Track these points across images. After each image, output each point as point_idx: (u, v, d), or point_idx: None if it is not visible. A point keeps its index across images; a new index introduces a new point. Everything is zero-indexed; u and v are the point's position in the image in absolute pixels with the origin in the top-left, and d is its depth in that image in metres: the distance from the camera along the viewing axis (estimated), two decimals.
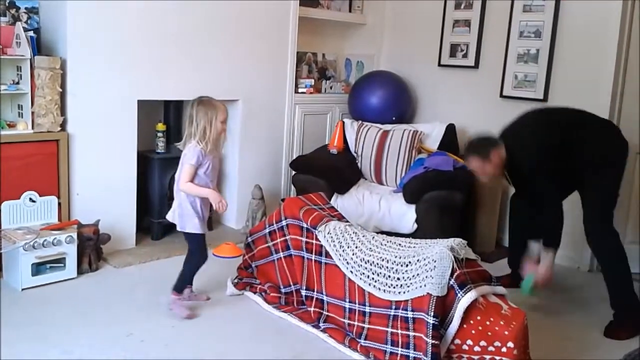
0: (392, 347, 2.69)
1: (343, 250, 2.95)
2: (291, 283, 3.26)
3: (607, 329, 3.22)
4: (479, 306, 2.57)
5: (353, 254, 2.90)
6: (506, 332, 2.49)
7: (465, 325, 2.55)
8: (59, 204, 3.56)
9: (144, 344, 2.77)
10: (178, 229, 3.13)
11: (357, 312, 2.86)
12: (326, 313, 3.03)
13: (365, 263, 2.84)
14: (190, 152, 2.96)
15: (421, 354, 2.54)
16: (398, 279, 2.71)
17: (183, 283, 3.12)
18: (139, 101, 3.90)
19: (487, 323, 2.53)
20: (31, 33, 3.58)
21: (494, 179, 3.43)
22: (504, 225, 4.55)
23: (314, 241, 3.09)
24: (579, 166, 3.31)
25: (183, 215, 3.06)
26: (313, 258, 3.09)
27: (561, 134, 3.28)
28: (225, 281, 3.43)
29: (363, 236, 3.00)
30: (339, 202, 4.23)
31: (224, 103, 3.06)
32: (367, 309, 2.81)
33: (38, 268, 3.34)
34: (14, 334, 2.76)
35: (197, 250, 3.10)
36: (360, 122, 4.80)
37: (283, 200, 3.72)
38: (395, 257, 2.78)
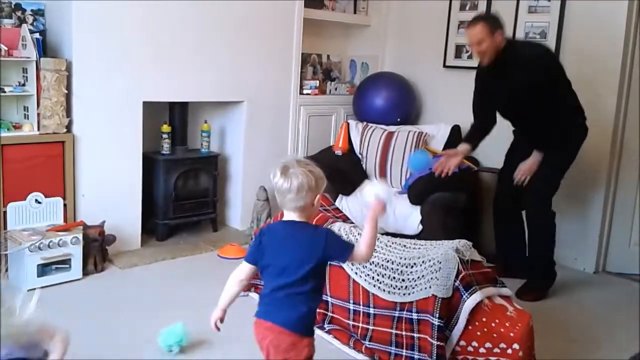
0: (396, 348, 2.69)
1: None
2: None
3: (519, 290, 3.53)
4: (485, 308, 2.56)
5: None
6: (512, 334, 2.48)
7: (470, 327, 2.54)
8: (65, 205, 3.58)
9: (148, 345, 2.77)
10: None
11: (361, 313, 2.85)
12: (331, 314, 3.02)
13: (370, 264, 2.83)
14: None
15: (426, 355, 2.54)
16: (403, 280, 2.71)
17: None
18: (144, 103, 3.91)
19: (493, 325, 2.52)
20: (37, 35, 3.60)
21: (483, 57, 3.44)
22: None
23: None
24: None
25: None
26: None
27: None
28: None
29: None
30: (343, 203, 4.23)
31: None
32: (372, 311, 2.81)
33: (43, 269, 3.35)
34: None
35: None
36: (365, 123, 4.79)
37: None
38: (400, 258, 2.78)
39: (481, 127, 3.71)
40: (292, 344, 1.97)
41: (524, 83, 3.34)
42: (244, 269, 2.08)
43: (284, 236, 1.99)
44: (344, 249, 1.96)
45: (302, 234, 1.98)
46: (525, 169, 3.56)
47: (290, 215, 2.01)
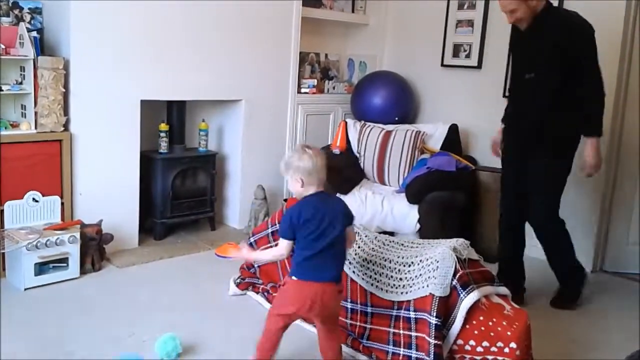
0: (394, 347, 2.69)
1: None
2: None
3: (555, 300, 3.50)
4: (482, 307, 2.56)
5: (355, 254, 2.90)
6: (509, 333, 2.48)
7: (467, 326, 2.54)
8: (62, 204, 3.57)
9: (146, 344, 2.77)
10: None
11: (359, 312, 2.85)
12: None
13: (368, 263, 2.84)
14: None
15: (423, 354, 2.54)
16: (400, 279, 2.71)
17: None
18: (142, 101, 3.91)
19: (490, 324, 2.52)
20: (34, 33, 3.59)
21: (520, 23, 3.25)
22: None
23: None
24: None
25: None
26: None
27: None
28: (227, 281, 3.43)
29: (365, 236, 2.99)
30: None
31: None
32: (369, 310, 2.81)
33: (41, 268, 3.34)
34: (16, 333, 2.77)
35: None
36: (362, 122, 4.80)
37: (285, 200, 3.72)
38: (398, 257, 2.78)
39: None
40: (339, 293, 2.46)
41: (557, 42, 3.15)
42: (286, 246, 2.37)
43: (319, 205, 2.35)
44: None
45: (333, 200, 2.46)
46: (593, 161, 3.25)
47: (312, 189, 2.38)
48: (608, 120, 4.00)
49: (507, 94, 3.71)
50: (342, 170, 4.41)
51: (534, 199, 3.38)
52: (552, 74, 3.20)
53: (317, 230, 2.30)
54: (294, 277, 2.37)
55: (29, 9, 3.68)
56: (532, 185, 3.38)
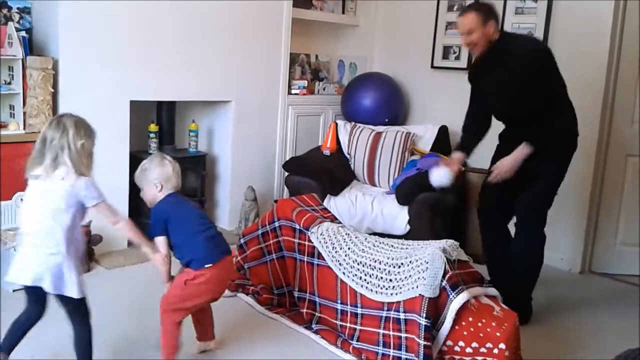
0: (384, 348, 2.69)
1: (335, 252, 2.95)
2: (284, 284, 3.26)
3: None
4: (471, 308, 2.57)
5: (345, 256, 2.90)
6: (498, 334, 2.49)
7: (457, 327, 2.55)
8: None
9: (134, 346, 2.76)
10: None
11: (349, 313, 2.86)
12: (318, 314, 3.03)
13: (358, 264, 2.84)
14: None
15: (413, 355, 2.54)
16: (390, 280, 2.71)
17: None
18: (131, 102, 3.89)
19: (479, 324, 2.53)
20: (23, 33, 3.58)
21: (473, 49, 3.18)
22: None
23: (306, 242, 3.09)
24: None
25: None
26: (305, 259, 3.09)
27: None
28: None
29: (356, 237, 3.00)
30: (331, 203, 4.23)
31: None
32: (359, 311, 2.81)
33: None
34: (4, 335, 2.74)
35: None
36: (353, 123, 4.80)
37: (276, 201, 3.72)
38: (388, 258, 2.78)
39: (475, 131, 3.44)
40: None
41: (512, 75, 3.06)
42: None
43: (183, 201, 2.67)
44: None
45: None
46: (505, 167, 3.13)
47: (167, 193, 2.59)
48: (596, 120, 4.04)
49: (464, 128, 3.55)
50: (333, 171, 4.41)
51: (527, 193, 3.22)
52: (521, 101, 3.11)
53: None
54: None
55: (18, 8, 3.66)
56: (526, 183, 3.22)
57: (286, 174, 4.45)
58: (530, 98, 3.08)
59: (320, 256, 3.02)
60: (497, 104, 3.29)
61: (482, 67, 3.29)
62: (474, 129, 3.47)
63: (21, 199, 3.38)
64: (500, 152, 3.32)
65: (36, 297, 2.28)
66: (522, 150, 3.09)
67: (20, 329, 2.35)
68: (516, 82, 3.07)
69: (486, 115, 3.43)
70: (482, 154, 3.81)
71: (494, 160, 3.36)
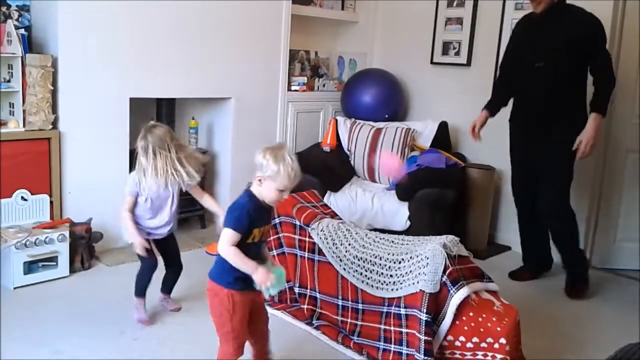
0: (385, 344, 2.70)
1: (336, 248, 2.95)
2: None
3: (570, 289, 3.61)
4: (472, 303, 2.57)
5: (346, 251, 2.90)
6: (499, 329, 2.50)
7: (457, 322, 2.55)
8: (51, 202, 3.55)
9: (136, 343, 2.77)
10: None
11: (350, 309, 2.86)
12: (319, 310, 3.03)
13: (358, 260, 2.84)
14: None
15: (414, 350, 2.55)
16: (391, 275, 2.72)
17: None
18: (130, 99, 3.89)
19: (480, 319, 2.53)
20: (22, 31, 3.57)
21: (538, 4, 3.38)
22: (495, 223, 4.58)
23: (306, 239, 3.10)
24: None
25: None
26: (306, 256, 3.09)
27: None
28: None
29: (356, 233, 3.00)
30: (332, 199, 4.23)
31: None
32: (360, 306, 2.81)
33: (30, 267, 3.32)
34: (6, 333, 2.75)
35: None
36: (353, 120, 4.80)
37: None
38: (388, 254, 2.78)
39: (506, 90, 3.67)
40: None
41: (570, 33, 3.29)
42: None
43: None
44: None
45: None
46: (590, 140, 3.33)
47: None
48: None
49: (496, 84, 3.82)
50: (333, 168, 4.41)
51: (545, 186, 3.47)
52: (564, 62, 3.33)
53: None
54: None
55: (17, 6, 3.65)
56: (544, 172, 3.48)
57: None
58: (578, 60, 3.32)
59: (320, 252, 3.02)
60: (544, 60, 3.41)
61: (537, 22, 3.45)
62: (505, 88, 3.68)
63: (22, 197, 3.40)
64: (517, 133, 3.66)
65: None
66: (595, 120, 3.32)
67: None
68: (572, 41, 3.28)
69: (520, 74, 3.57)
70: (482, 152, 3.82)
71: (513, 142, 3.69)
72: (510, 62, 3.68)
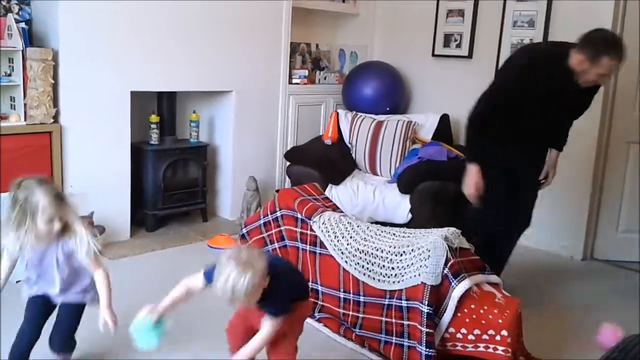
0: (386, 336, 2.70)
1: (338, 241, 2.95)
2: None
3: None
4: (473, 295, 2.57)
5: (347, 244, 2.91)
6: (500, 321, 2.50)
7: (459, 314, 2.56)
8: None
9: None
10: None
11: (351, 301, 2.86)
12: (321, 303, 3.03)
13: (360, 253, 2.84)
14: None
15: (415, 342, 2.55)
16: (392, 268, 2.72)
17: None
18: (132, 92, 3.89)
19: (481, 312, 2.54)
20: (23, 24, 3.56)
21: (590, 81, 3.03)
22: None
23: (308, 232, 3.10)
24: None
25: None
26: (308, 248, 3.09)
27: None
28: None
29: (357, 226, 3.00)
30: (333, 192, 4.23)
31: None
32: (362, 299, 2.82)
33: None
34: (7, 325, 2.76)
35: None
36: (354, 112, 4.79)
37: (277, 191, 3.71)
38: (390, 246, 2.78)
39: (485, 133, 3.23)
40: None
41: (584, 94, 3.16)
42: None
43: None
44: None
45: None
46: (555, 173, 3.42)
47: None
48: (597, 111, 4.02)
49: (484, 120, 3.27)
50: (334, 161, 4.41)
51: (529, 206, 3.39)
52: (567, 117, 3.33)
53: None
54: None
55: (17, 0, 3.65)
56: (528, 196, 3.39)
57: (287, 163, 4.45)
58: (580, 113, 3.32)
59: (322, 245, 3.02)
60: (556, 114, 3.21)
61: (571, 87, 3.06)
62: (496, 129, 3.23)
63: None
64: (510, 152, 3.25)
65: None
66: (556, 156, 3.42)
67: None
68: (583, 100, 3.25)
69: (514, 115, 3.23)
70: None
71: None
72: (513, 95, 3.13)
